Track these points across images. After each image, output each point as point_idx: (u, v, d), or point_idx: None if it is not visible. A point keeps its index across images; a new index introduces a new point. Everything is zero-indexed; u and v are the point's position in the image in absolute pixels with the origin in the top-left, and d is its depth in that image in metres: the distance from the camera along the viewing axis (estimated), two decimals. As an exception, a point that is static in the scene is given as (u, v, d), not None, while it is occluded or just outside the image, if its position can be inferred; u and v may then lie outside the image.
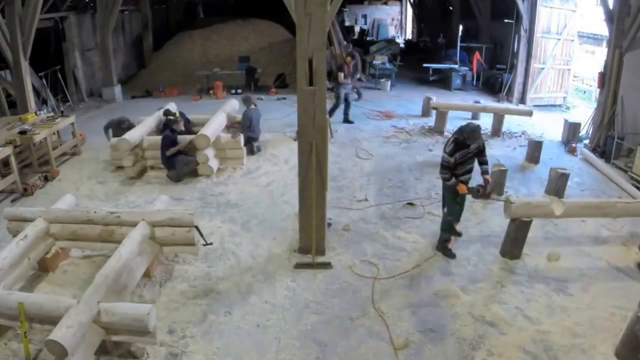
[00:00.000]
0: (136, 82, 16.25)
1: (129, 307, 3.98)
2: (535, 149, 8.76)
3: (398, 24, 34.01)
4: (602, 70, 9.87)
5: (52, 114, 9.61)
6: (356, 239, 6.09)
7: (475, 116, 11.85)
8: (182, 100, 14.07)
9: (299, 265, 5.43)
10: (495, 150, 9.49)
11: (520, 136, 10.46)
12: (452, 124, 11.28)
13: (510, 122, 10.77)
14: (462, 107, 11.57)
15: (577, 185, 7.78)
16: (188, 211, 5.14)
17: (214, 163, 8.05)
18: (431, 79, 16.19)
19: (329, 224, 6.21)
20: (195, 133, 8.22)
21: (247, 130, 8.94)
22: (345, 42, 16.56)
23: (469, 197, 5.71)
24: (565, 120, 10.44)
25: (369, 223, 6.49)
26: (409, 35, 31.97)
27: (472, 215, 6.68)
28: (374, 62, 16.45)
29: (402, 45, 23.84)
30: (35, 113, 9.13)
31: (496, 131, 10.43)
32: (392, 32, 31.65)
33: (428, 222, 6.54)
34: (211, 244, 5.75)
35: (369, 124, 11.37)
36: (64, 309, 3.75)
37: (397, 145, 9.83)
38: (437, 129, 10.70)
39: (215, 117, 8.87)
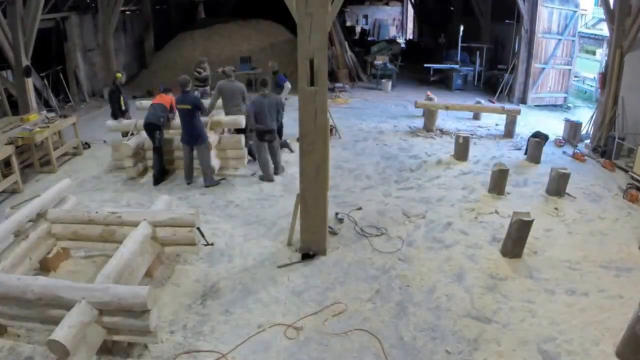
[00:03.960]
0: (137, 82, 16.27)
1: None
2: (536, 149, 8.77)
3: (399, 24, 34.05)
4: (603, 70, 9.88)
5: (53, 114, 9.64)
6: (355, 237, 6.11)
7: (475, 116, 11.91)
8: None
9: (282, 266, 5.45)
10: (495, 151, 9.53)
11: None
12: (447, 124, 11.34)
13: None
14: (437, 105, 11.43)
15: (578, 183, 7.77)
16: (189, 211, 5.15)
17: (215, 163, 8.05)
18: (432, 79, 16.21)
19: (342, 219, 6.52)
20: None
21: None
22: (346, 42, 16.58)
23: None
24: (566, 120, 10.48)
25: (370, 222, 6.50)
26: (409, 36, 32.00)
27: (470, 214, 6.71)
28: (375, 62, 16.48)
29: (403, 45, 23.86)
30: (39, 113, 9.16)
31: (509, 132, 10.44)
32: (393, 32, 31.71)
33: (429, 221, 6.55)
34: (212, 244, 5.77)
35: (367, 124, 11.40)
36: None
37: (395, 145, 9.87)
38: (427, 128, 10.79)
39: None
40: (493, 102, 13.25)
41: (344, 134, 10.52)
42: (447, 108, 11.24)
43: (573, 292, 4.99)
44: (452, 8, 20.80)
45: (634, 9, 8.63)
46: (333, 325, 4.52)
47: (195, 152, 7.61)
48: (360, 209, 6.91)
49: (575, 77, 14.50)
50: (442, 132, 10.69)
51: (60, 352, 3.49)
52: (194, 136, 7.45)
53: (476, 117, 11.86)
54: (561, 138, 10.13)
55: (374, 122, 11.61)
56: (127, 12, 16.40)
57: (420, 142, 10.07)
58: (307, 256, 5.56)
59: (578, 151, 9.36)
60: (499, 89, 14.01)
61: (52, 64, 13.01)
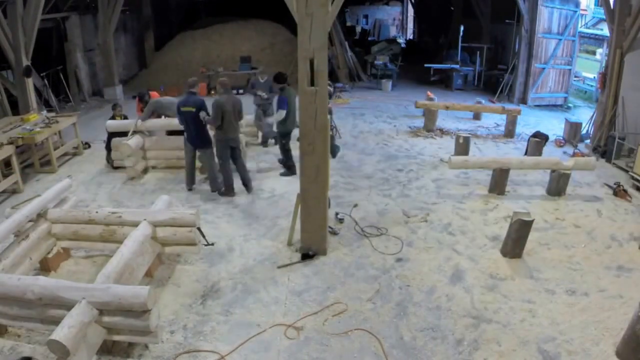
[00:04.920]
0: (138, 82, 16.28)
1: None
2: (536, 149, 8.77)
3: (399, 24, 34.05)
4: (603, 70, 9.88)
5: (53, 114, 9.64)
6: (355, 237, 6.11)
7: (476, 116, 11.92)
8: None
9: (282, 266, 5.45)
10: (493, 151, 9.53)
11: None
12: (447, 124, 11.34)
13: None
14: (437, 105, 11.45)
15: (578, 182, 7.77)
16: (190, 211, 5.15)
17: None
18: (432, 79, 16.21)
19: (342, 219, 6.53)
20: None
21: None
22: (346, 42, 16.58)
23: None
24: (566, 120, 10.48)
25: (370, 222, 6.51)
26: (410, 36, 31.99)
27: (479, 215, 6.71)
28: (376, 62, 16.48)
29: (403, 45, 23.85)
30: (40, 113, 9.15)
31: (509, 132, 10.48)
32: (393, 32, 31.70)
33: (429, 221, 6.55)
34: (212, 244, 5.77)
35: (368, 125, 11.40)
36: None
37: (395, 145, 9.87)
38: (427, 128, 10.79)
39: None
40: (493, 102, 13.26)
41: (344, 134, 10.52)
42: (447, 108, 11.25)
43: (573, 292, 4.99)
44: (452, 8, 20.78)
45: (634, 9, 8.63)
46: (333, 325, 4.52)
47: (198, 155, 7.46)
48: (356, 205, 6.95)
49: (576, 77, 14.50)
50: (443, 132, 10.70)
51: (61, 352, 3.49)
52: (198, 139, 7.18)
53: (476, 117, 11.87)
54: (561, 138, 10.13)
55: (374, 122, 11.61)
56: (127, 12, 16.39)
57: (421, 142, 10.06)
58: (307, 256, 5.57)
59: (578, 151, 9.35)
60: (499, 89, 14.02)
61: (52, 63, 13.02)
